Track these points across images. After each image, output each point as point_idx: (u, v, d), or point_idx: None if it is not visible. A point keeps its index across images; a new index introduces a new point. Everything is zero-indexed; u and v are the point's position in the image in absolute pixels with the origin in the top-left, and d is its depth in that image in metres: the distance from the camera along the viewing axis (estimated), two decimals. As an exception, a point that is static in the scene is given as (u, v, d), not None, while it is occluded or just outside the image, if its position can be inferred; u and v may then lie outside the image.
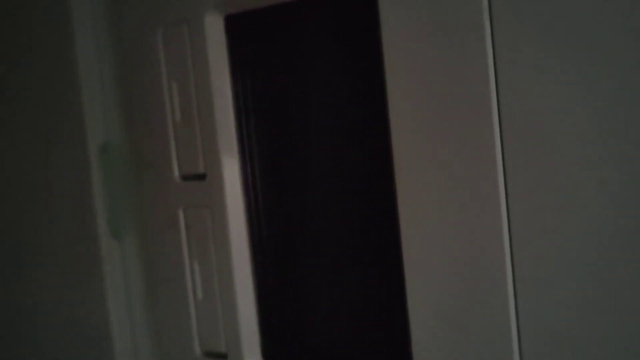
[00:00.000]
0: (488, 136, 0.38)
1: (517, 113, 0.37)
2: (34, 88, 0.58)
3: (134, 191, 0.55)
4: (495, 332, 0.39)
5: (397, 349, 0.44)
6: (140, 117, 0.54)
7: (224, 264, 0.50)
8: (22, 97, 0.60)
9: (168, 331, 0.55)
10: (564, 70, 0.35)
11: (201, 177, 0.51)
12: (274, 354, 0.51)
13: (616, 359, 0.35)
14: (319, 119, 0.47)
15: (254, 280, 0.51)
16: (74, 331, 0.60)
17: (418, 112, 0.40)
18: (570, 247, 0.36)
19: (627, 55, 0.33)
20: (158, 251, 0.55)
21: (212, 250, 0.51)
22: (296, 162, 0.48)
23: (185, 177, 0.52)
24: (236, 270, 0.50)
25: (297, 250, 0.49)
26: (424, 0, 0.39)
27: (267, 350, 0.51)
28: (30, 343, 0.64)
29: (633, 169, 0.34)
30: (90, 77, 0.55)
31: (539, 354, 0.38)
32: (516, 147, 0.37)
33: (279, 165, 0.49)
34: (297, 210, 0.49)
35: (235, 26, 0.49)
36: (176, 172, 0.52)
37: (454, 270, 0.40)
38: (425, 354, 0.41)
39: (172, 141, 0.52)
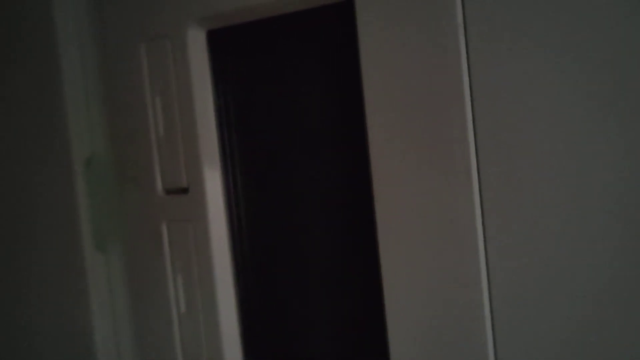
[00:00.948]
0: (463, 145, 0.38)
1: (492, 121, 0.37)
2: (19, 102, 0.59)
3: (118, 204, 0.56)
4: (471, 344, 0.39)
5: (377, 355, 0.44)
6: (124, 132, 0.54)
7: (207, 277, 0.51)
8: (7, 112, 0.60)
9: (151, 343, 0.55)
10: (538, 79, 0.35)
11: (184, 190, 0.51)
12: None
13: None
14: (300, 132, 0.47)
15: (236, 293, 0.51)
16: (58, 343, 0.60)
17: (395, 122, 0.40)
18: (546, 257, 0.36)
19: (604, 54, 0.34)
20: (142, 264, 0.55)
21: (195, 263, 0.51)
22: (278, 175, 0.49)
23: (168, 191, 0.52)
24: (218, 283, 0.50)
25: (279, 262, 0.50)
26: (400, 14, 0.39)
27: (249, 357, 0.52)
28: (15, 354, 0.64)
29: (611, 172, 0.34)
30: (75, 91, 0.55)
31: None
32: (491, 157, 0.37)
33: (261, 178, 0.50)
34: (279, 222, 0.49)
35: (217, 41, 0.50)
36: (159, 186, 0.52)
37: (431, 283, 0.40)
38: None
39: (155, 155, 0.52)
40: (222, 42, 0.50)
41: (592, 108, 0.34)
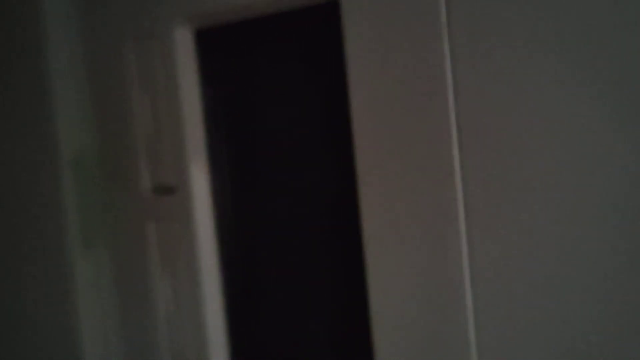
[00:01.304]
0: (447, 145, 0.38)
1: (476, 120, 0.37)
2: (6, 101, 0.59)
3: (105, 204, 0.56)
4: (454, 340, 0.39)
5: (362, 356, 0.44)
6: (111, 131, 0.54)
7: (193, 276, 0.51)
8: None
9: (139, 342, 0.55)
10: (521, 78, 0.36)
11: (171, 190, 0.51)
12: None
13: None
14: (287, 131, 0.47)
15: (223, 292, 0.51)
16: (45, 342, 0.59)
17: (380, 121, 0.40)
18: (530, 257, 0.36)
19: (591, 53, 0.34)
20: (129, 263, 0.55)
21: (182, 262, 0.51)
22: (265, 174, 0.49)
23: (155, 190, 0.52)
24: (205, 282, 0.51)
25: (265, 262, 0.50)
26: (385, 14, 0.39)
27: (235, 357, 0.52)
28: (1, 353, 0.64)
29: (597, 170, 0.34)
30: (62, 90, 0.55)
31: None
32: (475, 156, 0.37)
33: (248, 178, 0.50)
34: (265, 221, 0.49)
35: (205, 40, 0.50)
36: (146, 186, 0.53)
37: (415, 281, 0.40)
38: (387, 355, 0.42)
39: (142, 154, 0.52)
40: (209, 42, 0.50)
41: (576, 106, 0.34)
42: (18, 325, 0.62)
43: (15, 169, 0.59)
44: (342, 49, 0.42)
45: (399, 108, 0.39)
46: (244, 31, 0.48)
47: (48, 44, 0.54)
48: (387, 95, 0.40)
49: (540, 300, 0.36)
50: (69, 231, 0.55)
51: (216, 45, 0.49)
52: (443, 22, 0.37)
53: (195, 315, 0.51)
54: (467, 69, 0.37)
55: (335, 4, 0.42)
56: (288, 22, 0.46)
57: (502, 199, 0.37)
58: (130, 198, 0.53)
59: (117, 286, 0.56)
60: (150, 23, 0.50)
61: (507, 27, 0.36)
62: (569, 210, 0.35)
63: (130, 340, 0.56)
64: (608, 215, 0.34)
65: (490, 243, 0.37)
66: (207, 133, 0.50)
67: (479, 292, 0.38)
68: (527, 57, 0.35)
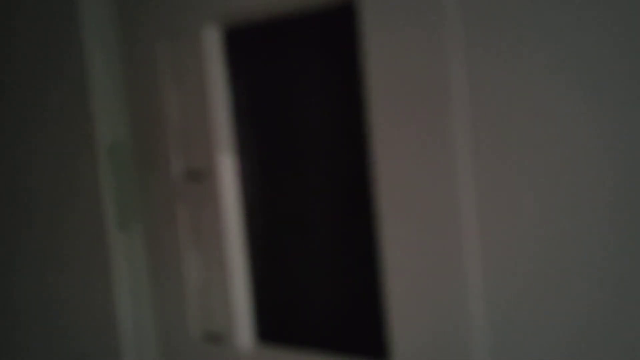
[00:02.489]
0: (461, 135, 0.40)
1: (488, 116, 0.39)
2: (49, 95, 0.61)
3: (138, 187, 0.59)
4: (463, 317, 0.41)
5: (379, 329, 0.47)
6: (144, 121, 0.57)
7: (220, 256, 0.54)
8: (37, 103, 0.63)
9: (168, 315, 0.58)
10: (533, 76, 0.37)
11: (200, 176, 0.54)
12: (267, 334, 0.54)
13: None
14: (311, 122, 0.50)
15: (249, 267, 0.54)
16: (81, 315, 0.63)
17: (396, 112, 0.42)
18: (540, 254, 0.38)
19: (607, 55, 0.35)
20: (160, 243, 0.58)
21: (209, 243, 0.54)
22: (288, 161, 0.51)
23: (185, 176, 0.55)
24: (231, 261, 0.53)
25: (289, 240, 0.52)
26: (401, 15, 0.41)
27: (260, 331, 0.54)
28: (40, 325, 0.67)
29: (606, 169, 0.35)
30: (98, 83, 0.58)
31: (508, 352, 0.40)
32: (485, 147, 0.39)
33: (273, 164, 0.52)
34: (289, 204, 0.52)
35: (232, 37, 0.52)
36: (177, 171, 0.55)
37: (427, 265, 0.42)
38: (403, 336, 0.45)
39: (173, 143, 0.55)
40: (237, 40, 0.52)
41: (588, 103, 0.36)
42: (58, 297, 0.65)
43: (57, 157, 0.62)
44: (360, 48, 0.44)
45: (414, 102, 0.41)
46: (269, 31, 0.50)
47: (87, 44, 0.57)
48: (402, 90, 0.42)
49: (552, 298, 0.38)
50: (105, 213, 0.58)
51: (243, 43, 0.52)
52: (457, 20, 0.39)
53: (222, 290, 0.54)
54: (480, 64, 0.39)
55: (352, 8, 0.44)
56: (308, 23, 0.48)
57: (513, 193, 0.38)
58: (163, 183, 0.56)
59: (148, 263, 0.59)
60: (181, 23, 0.53)
61: (519, 25, 0.37)
62: (582, 204, 0.36)
63: (160, 311, 0.59)
64: (627, 213, 0.35)
65: (502, 238, 0.39)
66: (234, 123, 0.53)
67: (490, 287, 0.40)
68: (540, 55, 0.36)
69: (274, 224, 0.53)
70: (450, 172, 0.41)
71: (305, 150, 0.50)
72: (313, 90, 0.49)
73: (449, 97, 0.40)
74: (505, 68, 0.38)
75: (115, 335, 0.59)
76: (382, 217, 0.44)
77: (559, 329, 0.38)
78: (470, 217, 0.40)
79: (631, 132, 0.34)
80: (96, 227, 0.59)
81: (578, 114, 0.36)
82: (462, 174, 0.40)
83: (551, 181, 0.37)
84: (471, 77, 0.39)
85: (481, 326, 0.41)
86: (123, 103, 0.58)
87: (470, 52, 0.39)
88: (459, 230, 0.41)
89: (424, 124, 0.41)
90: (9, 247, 0.67)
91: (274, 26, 0.50)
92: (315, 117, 0.50)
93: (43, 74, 0.61)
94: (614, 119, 0.35)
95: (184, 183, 0.55)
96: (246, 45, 0.52)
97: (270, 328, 0.54)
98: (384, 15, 0.42)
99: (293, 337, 0.53)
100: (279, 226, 0.53)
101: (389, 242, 0.44)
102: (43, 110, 0.62)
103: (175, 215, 0.56)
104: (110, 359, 0.60)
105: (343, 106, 0.47)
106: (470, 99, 0.39)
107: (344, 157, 0.48)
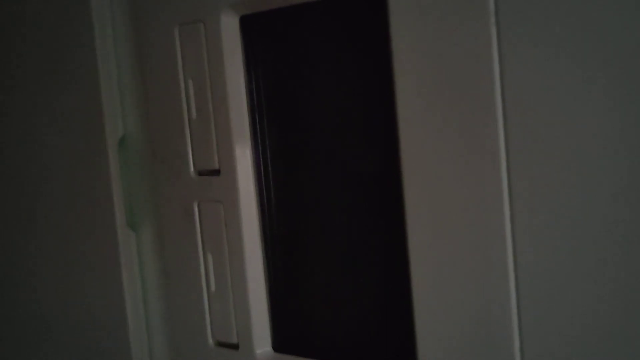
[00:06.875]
0: (493, 135, 0.38)
1: (522, 111, 0.37)
2: (58, 85, 0.60)
3: (150, 184, 0.57)
4: (496, 327, 0.40)
5: (403, 340, 0.45)
6: (157, 113, 0.55)
7: (237, 256, 0.52)
8: (46, 94, 0.61)
9: (181, 321, 0.56)
10: (569, 71, 0.36)
11: (215, 172, 0.52)
12: (284, 344, 0.52)
13: None
14: (330, 116, 0.48)
15: (266, 273, 0.52)
16: (90, 319, 0.61)
17: (425, 109, 0.41)
18: (577, 256, 0.37)
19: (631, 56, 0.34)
20: (173, 243, 0.56)
21: (225, 243, 0.52)
22: (307, 158, 0.50)
23: (200, 172, 0.53)
24: (248, 262, 0.52)
25: (307, 244, 0.50)
26: (432, 2, 0.40)
27: (277, 341, 0.52)
28: (49, 328, 0.65)
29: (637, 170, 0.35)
30: (109, 74, 0.56)
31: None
32: (521, 146, 0.38)
33: (291, 161, 0.51)
34: (308, 204, 0.50)
35: (250, 25, 0.50)
36: (191, 167, 0.53)
37: (458, 271, 0.41)
38: (429, 349, 0.42)
39: (187, 137, 0.53)
40: (254, 27, 0.50)
41: (631, 107, 0.34)
42: (66, 297, 0.63)
43: (64, 151, 0.60)
44: (387, 35, 0.42)
45: (444, 96, 0.40)
46: (288, 17, 0.49)
47: (95, 29, 0.55)
48: (432, 83, 0.40)
49: (587, 299, 0.37)
50: (116, 211, 0.57)
51: (261, 30, 0.50)
52: (491, 10, 0.38)
53: (238, 294, 0.52)
54: (514, 57, 0.37)
55: (382, -9, 0.42)
56: (332, 8, 0.46)
57: (549, 195, 0.37)
58: (176, 179, 0.54)
59: (161, 265, 0.57)
60: (197, 9, 0.51)
61: (557, 16, 0.36)
62: (620, 206, 0.35)
63: (173, 318, 0.57)
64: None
65: (537, 239, 0.38)
66: (251, 116, 0.51)
67: (523, 290, 0.39)
68: (578, 49, 0.35)
69: (293, 225, 0.51)
70: (485, 173, 0.39)
71: (329, 148, 0.48)
72: (336, 80, 0.47)
73: (481, 87, 0.38)
74: (544, 57, 0.36)
75: (125, 343, 0.58)
76: (410, 222, 0.42)
77: (595, 333, 0.36)
78: (504, 223, 0.39)
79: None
80: (105, 226, 0.57)
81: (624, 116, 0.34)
82: (497, 175, 0.39)
83: (591, 181, 0.36)
84: (504, 64, 0.38)
85: (513, 344, 0.39)
86: (136, 94, 0.56)
87: (505, 38, 0.37)
88: (493, 236, 0.39)
89: (458, 120, 0.40)
90: (14, 246, 0.66)
91: (292, 12, 0.48)
92: (337, 109, 0.47)
93: (50, 64, 0.59)
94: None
95: (199, 179, 0.53)
96: (263, 32, 0.50)
97: (287, 338, 0.52)
98: (413, 1, 0.40)
99: (312, 347, 0.51)
100: (299, 229, 0.51)
101: (418, 248, 0.42)
102: (50, 104, 0.60)
103: (190, 213, 0.54)
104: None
105: (369, 99, 0.45)
106: (503, 88, 0.38)
107: (370, 154, 0.46)
